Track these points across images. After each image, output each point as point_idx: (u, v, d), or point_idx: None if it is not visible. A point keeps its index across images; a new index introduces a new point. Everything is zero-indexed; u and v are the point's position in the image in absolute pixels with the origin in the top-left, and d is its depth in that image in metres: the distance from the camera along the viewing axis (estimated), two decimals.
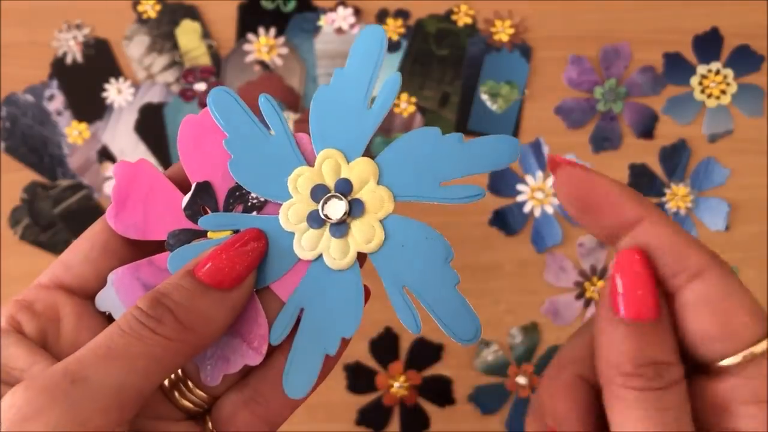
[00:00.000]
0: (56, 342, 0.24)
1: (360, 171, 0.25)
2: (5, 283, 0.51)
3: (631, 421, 0.19)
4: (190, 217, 0.25)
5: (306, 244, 0.25)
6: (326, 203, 0.24)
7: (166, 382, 0.25)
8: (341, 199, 0.24)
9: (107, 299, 0.25)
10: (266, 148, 0.25)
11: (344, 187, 0.24)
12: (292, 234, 0.25)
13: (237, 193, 0.25)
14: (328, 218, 0.24)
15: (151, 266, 0.25)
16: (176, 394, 0.25)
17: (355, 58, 0.25)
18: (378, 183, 0.25)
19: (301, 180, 0.25)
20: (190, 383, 0.25)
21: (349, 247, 0.24)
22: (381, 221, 0.24)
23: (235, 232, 0.25)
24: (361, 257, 0.25)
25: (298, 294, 0.24)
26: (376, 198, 0.24)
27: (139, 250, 0.26)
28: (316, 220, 0.24)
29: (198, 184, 0.25)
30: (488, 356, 0.50)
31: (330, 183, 0.25)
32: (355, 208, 0.24)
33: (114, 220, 0.25)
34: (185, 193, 0.25)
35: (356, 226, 0.24)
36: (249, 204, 0.25)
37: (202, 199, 0.25)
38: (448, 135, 0.25)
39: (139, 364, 0.20)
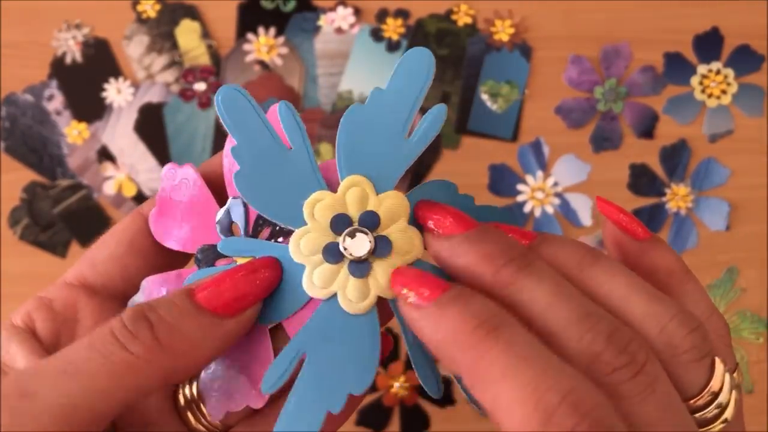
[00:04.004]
0: (70, 342, 0.23)
1: (391, 206, 0.22)
2: (5, 283, 0.51)
3: None
4: (221, 232, 0.23)
5: (319, 280, 0.21)
6: (349, 237, 0.21)
7: (181, 402, 0.24)
8: (366, 234, 0.21)
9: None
10: (281, 163, 0.22)
11: (371, 222, 0.22)
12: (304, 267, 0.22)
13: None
14: (350, 254, 0.21)
15: (179, 279, 0.24)
16: (190, 415, 0.24)
17: (398, 79, 0.22)
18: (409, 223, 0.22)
19: (320, 206, 0.22)
20: (203, 408, 0.24)
21: (370, 289, 0.21)
22: (408, 265, 0.22)
23: None
24: (381, 303, 0.22)
25: (302, 337, 0.21)
26: (406, 239, 0.22)
27: (166, 251, 0.25)
28: (333, 254, 0.21)
29: (233, 199, 0.23)
30: None
31: (354, 214, 0.22)
32: (382, 247, 0.21)
33: (154, 226, 0.24)
34: (221, 200, 0.24)
35: (380, 267, 0.21)
36: (277, 228, 0.23)
37: (235, 215, 0.23)
38: (464, 195, 0.23)
39: (98, 384, 0.19)
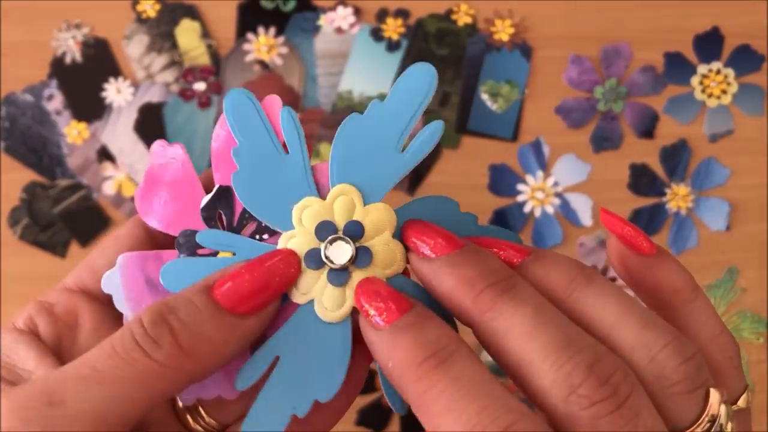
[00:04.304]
0: (71, 348, 0.24)
1: (376, 218, 0.22)
2: (5, 283, 0.51)
3: None
4: (205, 220, 0.24)
5: (299, 284, 0.22)
6: (331, 244, 0.22)
7: (179, 404, 0.24)
8: (348, 243, 0.22)
9: (113, 281, 0.24)
10: (277, 167, 0.22)
11: (355, 231, 0.22)
12: None
13: None
14: (330, 261, 0.22)
15: (158, 261, 0.24)
16: (188, 417, 0.24)
17: (398, 93, 0.22)
18: (393, 237, 0.22)
19: (307, 212, 0.22)
20: (201, 409, 0.24)
21: (346, 299, 0.22)
22: (387, 279, 0.22)
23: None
24: (356, 313, 0.22)
25: (278, 339, 0.22)
26: (388, 252, 0.22)
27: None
28: (314, 260, 0.22)
29: (220, 188, 0.23)
30: (489, 357, 0.50)
31: (340, 222, 0.22)
32: (362, 257, 0.22)
33: (139, 202, 0.24)
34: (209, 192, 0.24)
35: (359, 277, 0.22)
36: (263, 225, 0.23)
37: (221, 204, 0.23)
38: (466, 213, 0.23)
39: (125, 391, 0.19)
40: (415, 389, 0.19)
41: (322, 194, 0.23)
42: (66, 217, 0.52)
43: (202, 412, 0.24)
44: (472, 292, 0.20)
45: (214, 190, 0.24)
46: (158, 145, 0.24)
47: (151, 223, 0.24)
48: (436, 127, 0.22)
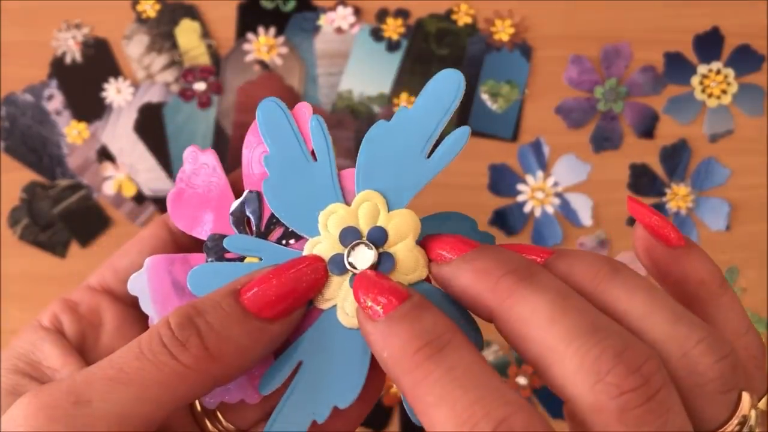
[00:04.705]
0: (94, 347, 0.24)
1: (400, 223, 0.22)
2: (5, 283, 0.51)
3: None
4: (233, 224, 0.24)
5: (324, 289, 0.22)
6: (353, 250, 0.22)
7: (198, 407, 0.24)
8: (371, 249, 0.22)
9: (140, 282, 0.24)
10: (306, 175, 0.23)
11: (378, 237, 0.22)
12: None
13: None
14: (353, 267, 0.22)
15: (185, 264, 0.24)
16: (207, 421, 0.24)
17: (424, 100, 0.22)
18: (417, 243, 0.22)
19: (333, 218, 0.22)
20: (219, 414, 0.24)
21: None
22: (410, 285, 0.22)
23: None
24: None
25: (301, 344, 0.22)
26: (410, 258, 0.22)
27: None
28: (338, 266, 0.22)
29: (249, 193, 0.24)
30: (489, 356, 0.50)
31: (363, 228, 0.22)
32: (384, 263, 0.22)
33: (172, 205, 0.24)
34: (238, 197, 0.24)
35: None
36: (289, 230, 0.23)
37: (250, 209, 0.24)
38: (484, 233, 0.23)
39: (151, 393, 0.19)
40: (410, 379, 0.18)
41: (348, 200, 0.23)
42: (66, 217, 0.52)
43: (220, 417, 0.24)
44: (490, 281, 0.19)
45: (243, 195, 0.24)
46: (191, 150, 0.25)
47: (180, 226, 0.25)
48: (462, 133, 0.22)
